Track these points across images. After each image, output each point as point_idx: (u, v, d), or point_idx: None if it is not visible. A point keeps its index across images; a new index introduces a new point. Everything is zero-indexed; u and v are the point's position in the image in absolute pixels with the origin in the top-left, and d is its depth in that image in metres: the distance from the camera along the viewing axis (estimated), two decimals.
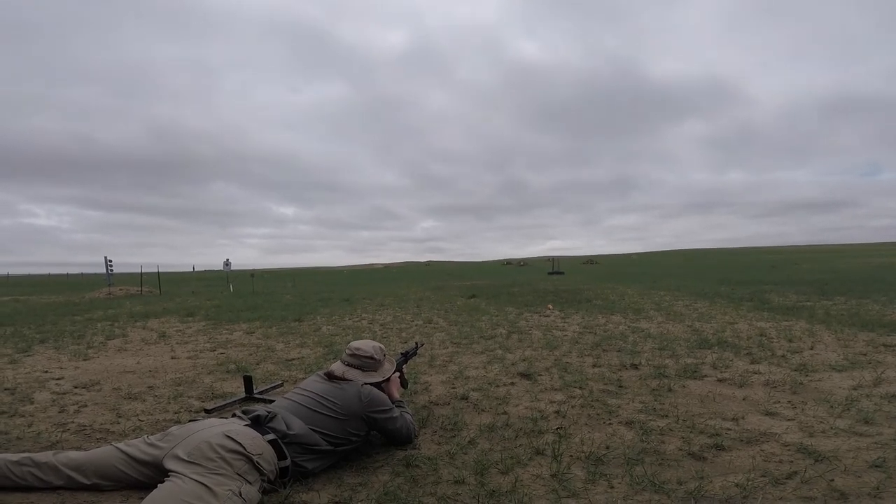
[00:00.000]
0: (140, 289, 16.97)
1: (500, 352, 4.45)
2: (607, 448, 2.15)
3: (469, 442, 2.28)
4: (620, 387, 3.17)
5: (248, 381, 3.04)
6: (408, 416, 2.31)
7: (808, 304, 7.76)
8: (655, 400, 2.86)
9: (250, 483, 1.69)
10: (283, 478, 1.84)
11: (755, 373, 3.43)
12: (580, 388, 3.15)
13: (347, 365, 2.34)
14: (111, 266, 17.63)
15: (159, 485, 1.60)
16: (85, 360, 4.52)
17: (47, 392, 3.36)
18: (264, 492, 1.76)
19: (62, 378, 3.78)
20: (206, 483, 1.57)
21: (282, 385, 3.43)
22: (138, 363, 4.33)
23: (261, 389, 3.21)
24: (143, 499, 1.55)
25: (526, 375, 3.53)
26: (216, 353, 4.78)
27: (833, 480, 1.78)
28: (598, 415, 2.62)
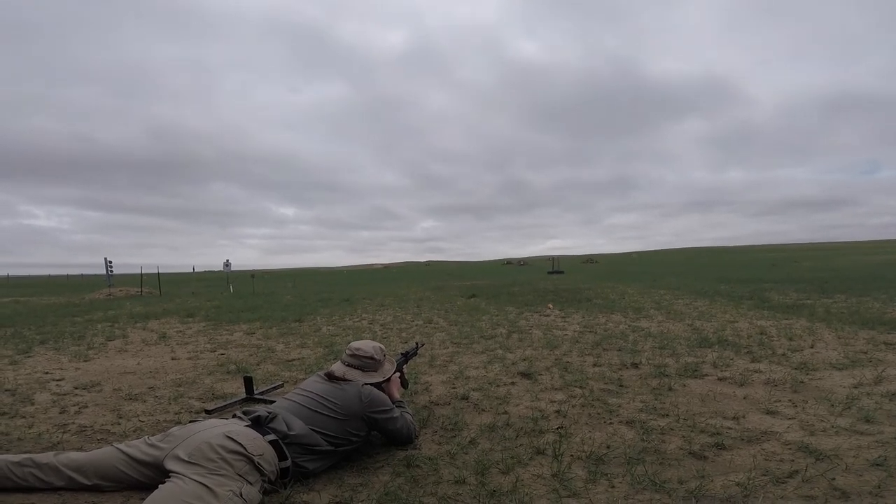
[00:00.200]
0: (140, 290, 16.97)
1: (500, 351, 4.44)
2: (608, 447, 2.15)
3: (470, 442, 2.28)
4: (621, 386, 3.17)
5: (248, 382, 3.03)
6: (408, 417, 2.31)
7: (809, 302, 7.76)
8: (656, 399, 2.86)
9: (251, 483, 1.69)
10: (284, 478, 1.84)
11: (756, 371, 3.43)
12: (581, 387, 3.15)
13: (348, 365, 2.34)
14: (111, 267, 17.65)
15: (160, 485, 1.60)
16: (85, 361, 4.52)
17: (48, 393, 3.36)
18: (265, 492, 1.76)
19: (63, 379, 3.78)
20: (206, 484, 1.57)
21: (282, 386, 3.43)
22: (139, 364, 4.33)
23: (261, 390, 3.21)
24: (143, 499, 1.55)
25: (526, 375, 3.53)
26: (216, 353, 4.78)
27: (834, 479, 1.78)
28: (598, 414, 2.62)
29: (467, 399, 2.97)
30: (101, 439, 2.45)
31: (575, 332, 5.47)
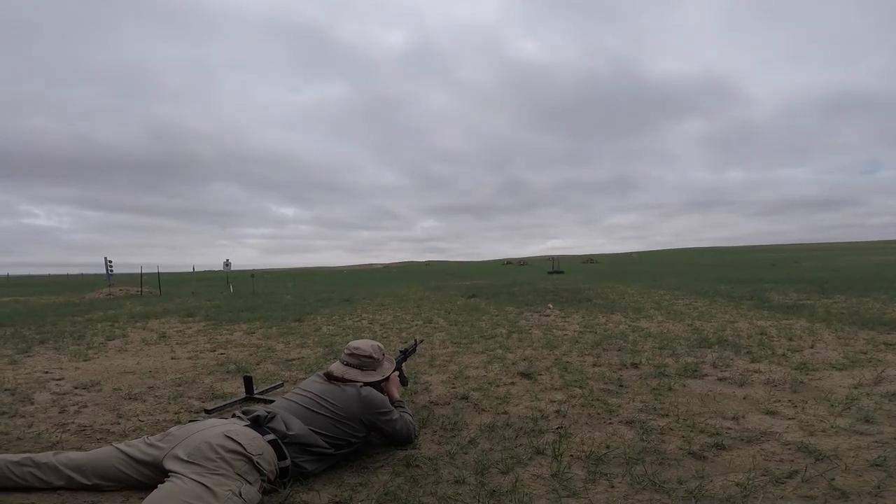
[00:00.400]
0: (140, 289, 16.97)
1: (500, 351, 4.44)
2: (608, 447, 2.15)
3: (469, 442, 2.28)
4: (621, 386, 3.17)
5: (248, 382, 3.03)
6: (408, 417, 2.31)
7: (809, 302, 7.76)
8: (656, 399, 2.86)
9: (250, 483, 1.69)
10: (283, 478, 1.84)
11: (755, 372, 3.43)
12: (580, 387, 3.15)
13: (346, 365, 2.34)
14: (111, 266, 17.65)
15: (159, 485, 1.60)
16: (85, 360, 4.52)
17: (47, 392, 3.36)
18: (264, 492, 1.76)
19: (62, 378, 3.78)
20: (206, 483, 1.57)
21: (282, 385, 3.43)
22: (138, 364, 4.33)
23: (261, 390, 3.21)
24: (143, 499, 1.55)
25: (526, 375, 3.53)
26: (216, 353, 4.78)
27: (834, 479, 1.78)
28: (598, 414, 2.62)
29: (467, 399, 2.97)
30: (101, 439, 2.45)
31: (575, 332, 5.47)
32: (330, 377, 2.25)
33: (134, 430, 2.55)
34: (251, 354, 4.65)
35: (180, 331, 6.44)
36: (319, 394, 2.13)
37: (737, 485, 1.77)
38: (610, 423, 2.49)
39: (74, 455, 1.89)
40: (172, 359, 4.53)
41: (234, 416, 2.01)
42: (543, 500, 1.72)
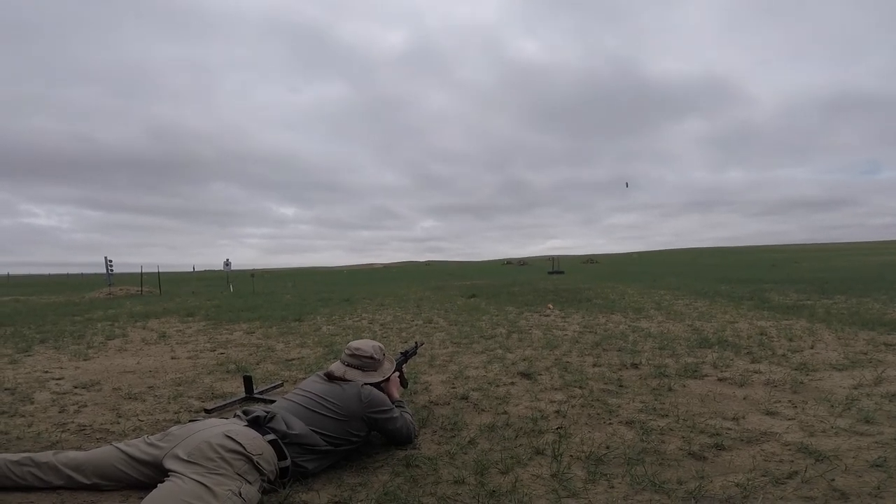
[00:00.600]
0: (140, 289, 16.97)
1: (500, 351, 4.44)
2: (607, 448, 2.15)
3: (469, 442, 2.28)
4: (621, 386, 3.16)
5: (248, 382, 3.03)
6: (408, 416, 2.31)
7: (809, 302, 7.76)
8: (656, 399, 2.85)
9: (250, 483, 1.69)
10: (283, 478, 1.84)
11: (756, 372, 3.43)
12: (580, 387, 3.15)
13: (347, 365, 2.34)
14: (111, 266, 17.65)
15: (159, 484, 1.60)
16: (85, 360, 4.52)
17: (47, 392, 3.36)
18: (264, 492, 1.76)
19: (62, 378, 3.78)
20: (205, 483, 1.57)
21: (282, 385, 3.43)
22: (138, 363, 4.33)
23: (261, 389, 3.21)
24: (142, 499, 1.55)
25: (526, 375, 3.53)
26: (216, 353, 4.78)
27: (834, 480, 1.78)
28: (598, 414, 2.62)
29: (467, 399, 2.97)
30: (101, 438, 2.45)
31: (575, 332, 5.47)
32: (330, 377, 2.25)
33: (134, 430, 2.55)
34: (251, 354, 4.65)
35: (180, 330, 6.45)
36: (320, 393, 2.13)
37: (737, 485, 1.77)
38: (610, 423, 2.49)
39: (74, 454, 1.89)
40: (172, 358, 4.53)
41: (234, 415, 2.01)
42: (543, 500, 1.72)
